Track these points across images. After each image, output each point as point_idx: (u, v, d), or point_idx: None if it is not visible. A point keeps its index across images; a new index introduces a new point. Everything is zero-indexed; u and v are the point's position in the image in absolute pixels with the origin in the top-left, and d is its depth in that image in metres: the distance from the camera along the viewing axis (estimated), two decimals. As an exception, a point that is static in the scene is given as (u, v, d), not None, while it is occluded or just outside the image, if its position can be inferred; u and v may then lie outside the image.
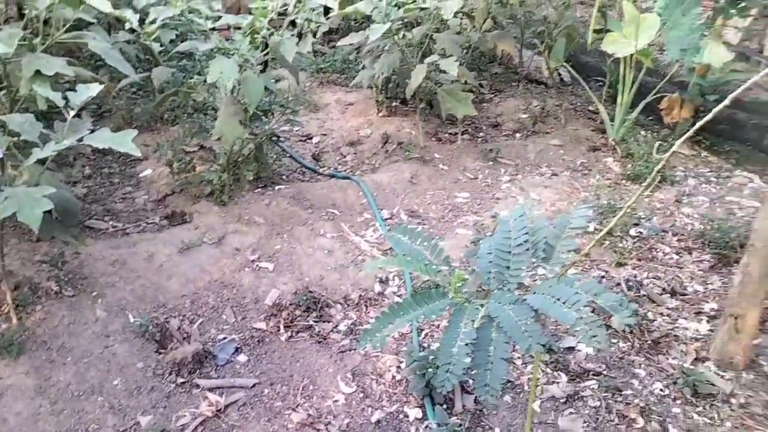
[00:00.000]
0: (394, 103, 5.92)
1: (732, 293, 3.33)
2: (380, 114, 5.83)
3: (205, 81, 4.12)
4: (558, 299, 1.75)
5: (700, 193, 5.07)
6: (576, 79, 6.32)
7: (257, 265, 3.84)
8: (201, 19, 4.37)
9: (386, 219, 4.49)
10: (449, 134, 5.68)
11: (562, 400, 3.10)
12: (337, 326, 3.52)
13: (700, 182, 5.25)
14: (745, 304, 3.28)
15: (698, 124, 1.78)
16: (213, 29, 4.51)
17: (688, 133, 1.82)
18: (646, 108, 5.61)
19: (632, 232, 4.47)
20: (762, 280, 3.23)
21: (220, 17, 4.37)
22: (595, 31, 6.16)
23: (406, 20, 5.33)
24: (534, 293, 1.83)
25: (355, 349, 3.34)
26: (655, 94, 5.52)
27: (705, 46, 4.45)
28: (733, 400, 3.21)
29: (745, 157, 5.58)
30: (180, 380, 3.11)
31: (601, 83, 6.39)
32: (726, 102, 1.59)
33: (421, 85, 5.22)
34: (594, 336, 1.65)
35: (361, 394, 3.07)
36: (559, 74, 7.02)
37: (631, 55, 5.07)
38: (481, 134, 5.83)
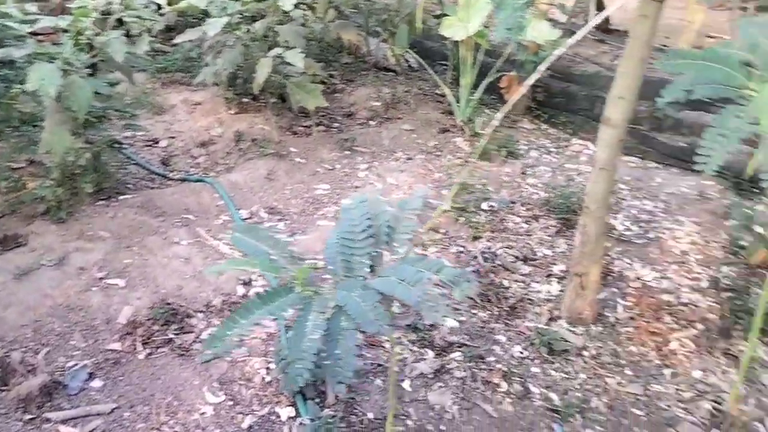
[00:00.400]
0: (244, 100, 5.77)
1: (574, 253, 3.59)
2: (231, 111, 5.65)
3: (23, 91, 3.76)
4: (402, 280, 1.78)
5: (542, 163, 5.42)
6: (422, 65, 6.50)
7: (106, 283, 3.59)
8: (15, 23, 3.98)
9: (245, 219, 4.37)
10: (304, 127, 5.63)
11: (430, 376, 3.19)
12: (199, 336, 3.37)
13: (541, 153, 5.60)
14: (586, 263, 3.54)
15: (510, 102, 1.88)
16: (34, 33, 4.13)
17: (504, 108, 1.92)
18: (489, 88, 5.88)
19: (484, 206, 4.68)
20: (598, 238, 3.50)
21: (36, 20, 4.00)
22: (435, 16, 6.38)
23: (246, 13, 5.20)
24: (380, 277, 1.85)
25: (220, 358, 3.22)
26: (494, 74, 5.80)
27: (528, 24, 4.72)
28: (585, 353, 3.47)
29: (579, 126, 6.03)
30: (28, 417, 2.84)
31: (446, 67, 6.62)
32: (535, 76, 1.69)
33: (270, 79, 5.12)
34: (437, 311, 1.70)
35: (230, 402, 2.97)
36: (407, 60, 7.19)
37: (469, 37, 5.29)
38: (336, 125, 5.84)
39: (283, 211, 4.49)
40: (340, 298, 1.76)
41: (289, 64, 4.87)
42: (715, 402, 3.14)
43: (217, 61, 4.93)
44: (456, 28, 5.09)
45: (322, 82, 6.23)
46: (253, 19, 5.29)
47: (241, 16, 4.98)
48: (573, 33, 7.50)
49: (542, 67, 1.73)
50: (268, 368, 3.15)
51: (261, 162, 4.98)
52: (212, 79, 5.11)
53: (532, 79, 1.74)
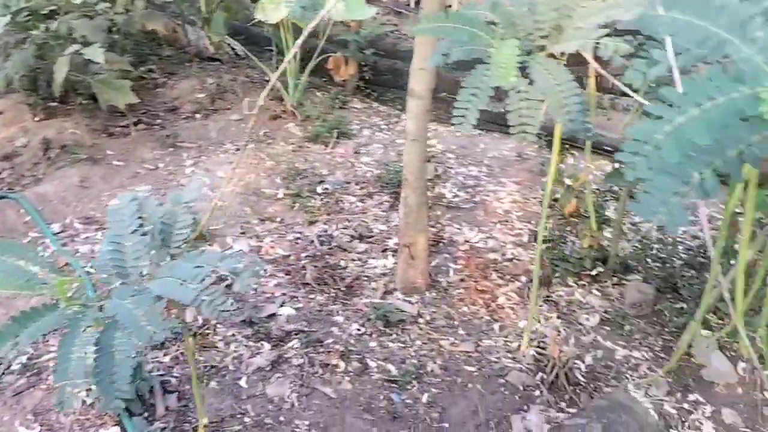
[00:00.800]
0: (51, 104, 5.26)
1: (400, 225, 3.65)
2: (36, 118, 5.14)
3: None
4: (180, 278, 1.68)
5: (375, 141, 5.48)
6: (246, 52, 6.31)
7: None
8: None
9: (58, 233, 4.01)
10: (121, 127, 5.26)
11: (267, 369, 3.12)
12: (9, 367, 3.06)
13: (374, 131, 5.66)
14: (412, 233, 3.61)
15: (282, 68, 1.82)
16: None
17: (268, 86, 1.86)
18: (319, 70, 5.83)
19: (319, 189, 4.65)
20: (420, 208, 3.58)
21: None
22: (253, 0, 6.19)
23: (42, 11, 4.74)
24: (157, 279, 1.73)
25: (34, 386, 2.95)
26: (319, 56, 5.73)
27: (324, 2, 4.63)
28: (420, 320, 3.56)
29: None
30: None
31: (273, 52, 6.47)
32: (294, 50, 1.64)
33: (74, 79, 4.74)
34: (218, 305, 1.62)
35: (47, 433, 2.73)
36: (233, 48, 6.95)
37: (286, 19, 5.19)
38: (158, 121, 5.52)
39: (101, 220, 4.18)
40: (111, 308, 1.63)
41: (92, 61, 4.52)
42: (540, 347, 3.34)
43: (6, 65, 4.46)
44: (269, 11, 4.97)
45: (141, 78, 5.87)
46: (52, 16, 4.84)
47: (30, 13, 4.53)
48: (398, 12, 7.65)
49: (299, 42, 1.69)
50: (88, 390, 2.91)
51: (73, 169, 4.59)
52: (2, 84, 4.61)
53: (291, 53, 1.70)
